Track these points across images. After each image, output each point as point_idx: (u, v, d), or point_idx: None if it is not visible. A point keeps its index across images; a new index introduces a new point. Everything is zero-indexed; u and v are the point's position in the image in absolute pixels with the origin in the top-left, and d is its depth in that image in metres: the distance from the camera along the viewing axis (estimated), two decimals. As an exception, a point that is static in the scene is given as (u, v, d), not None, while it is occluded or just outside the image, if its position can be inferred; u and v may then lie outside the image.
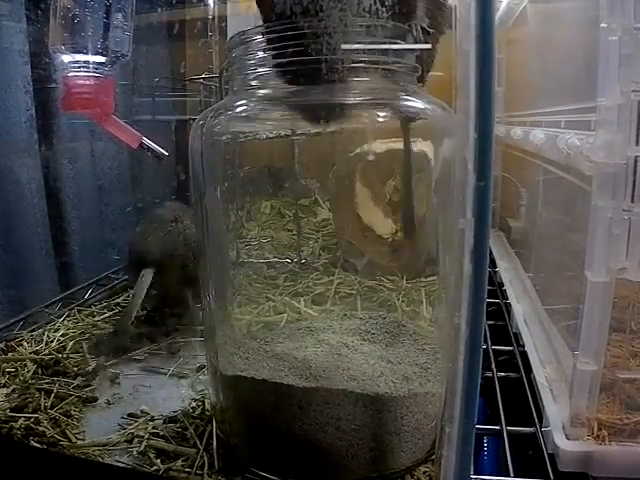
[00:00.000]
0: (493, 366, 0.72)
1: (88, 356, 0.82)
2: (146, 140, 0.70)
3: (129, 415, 0.67)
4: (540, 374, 0.65)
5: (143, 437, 0.61)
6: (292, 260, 0.82)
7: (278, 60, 0.49)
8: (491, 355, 0.75)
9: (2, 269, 0.96)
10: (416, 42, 0.53)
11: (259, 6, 0.53)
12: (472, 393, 0.40)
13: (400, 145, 0.59)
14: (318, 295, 0.76)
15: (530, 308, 0.84)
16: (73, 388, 0.73)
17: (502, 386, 0.68)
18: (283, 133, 0.53)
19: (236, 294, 0.61)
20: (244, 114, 0.54)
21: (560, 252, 0.71)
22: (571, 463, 0.51)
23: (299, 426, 0.53)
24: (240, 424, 0.58)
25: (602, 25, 0.45)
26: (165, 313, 0.93)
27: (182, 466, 0.57)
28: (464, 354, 0.39)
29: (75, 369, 0.78)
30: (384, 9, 0.48)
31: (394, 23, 0.50)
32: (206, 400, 0.68)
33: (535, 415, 0.60)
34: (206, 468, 0.56)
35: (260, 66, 0.52)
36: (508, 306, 0.89)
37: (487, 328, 0.82)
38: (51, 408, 0.68)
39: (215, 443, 0.60)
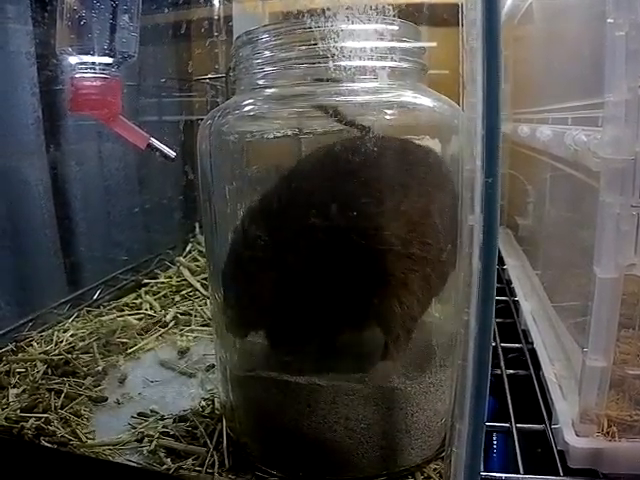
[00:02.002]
0: (502, 364, 0.72)
1: (98, 356, 0.82)
2: (154, 140, 0.70)
3: (139, 414, 0.67)
4: (549, 371, 0.65)
5: (153, 436, 0.62)
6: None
7: (285, 59, 0.50)
8: (500, 353, 0.75)
9: (11, 270, 0.96)
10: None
11: None
12: (482, 390, 0.40)
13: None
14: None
15: (538, 305, 0.84)
16: (83, 388, 0.73)
17: (511, 383, 0.68)
18: (290, 132, 0.53)
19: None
20: (251, 113, 0.54)
21: (568, 249, 0.71)
22: (581, 460, 0.50)
23: (308, 424, 0.53)
24: (250, 423, 0.58)
25: (609, 21, 0.45)
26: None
27: (192, 465, 0.57)
28: (474, 351, 0.40)
29: (85, 369, 0.78)
30: (391, 7, 0.48)
31: (401, 21, 0.51)
32: (216, 399, 0.69)
33: (544, 412, 0.60)
34: (216, 467, 0.56)
35: (267, 65, 0.52)
36: (516, 304, 0.89)
37: (496, 326, 0.81)
38: (61, 408, 0.68)
39: (225, 442, 0.60)
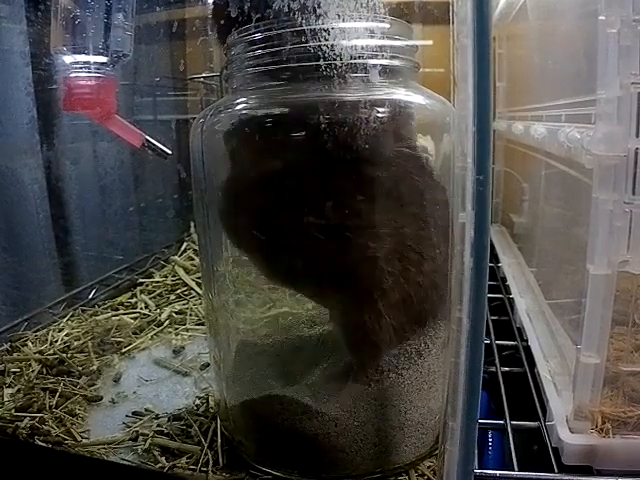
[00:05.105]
0: (497, 361, 0.72)
1: (92, 355, 0.82)
2: (149, 138, 0.70)
3: (133, 413, 0.67)
4: (544, 368, 0.65)
5: (148, 435, 0.62)
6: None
7: (276, 57, 0.49)
8: (495, 350, 0.75)
9: (6, 270, 0.96)
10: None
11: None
12: (474, 387, 0.40)
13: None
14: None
15: (533, 303, 0.84)
16: (78, 387, 0.73)
17: (506, 381, 0.68)
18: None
19: (238, 292, 0.61)
20: (244, 112, 0.54)
21: (562, 246, 0.71)
22: (575, 456, 0.51)
23: (301, 423, 0.53)
24: (243, 421, 0.58)
25: (601, 18, 0.45)
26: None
27: (186, 463, 0.57)
28: (466, 349, 0.40)
29: (79, 368, 0.78)
30: (382, 5, 0.48)
31: (393, 18, 0.50)
32: (210, 397, 0.69)
33: (539, 409, 0.60)
34: (210, 465, 0.56)
35: (259, 64, 0.52)
36: (511, 301, 0.89)
37: (491, 323, 0.82)
38: (56, 407, 0.68)
39: (219, 440, 0.60)
